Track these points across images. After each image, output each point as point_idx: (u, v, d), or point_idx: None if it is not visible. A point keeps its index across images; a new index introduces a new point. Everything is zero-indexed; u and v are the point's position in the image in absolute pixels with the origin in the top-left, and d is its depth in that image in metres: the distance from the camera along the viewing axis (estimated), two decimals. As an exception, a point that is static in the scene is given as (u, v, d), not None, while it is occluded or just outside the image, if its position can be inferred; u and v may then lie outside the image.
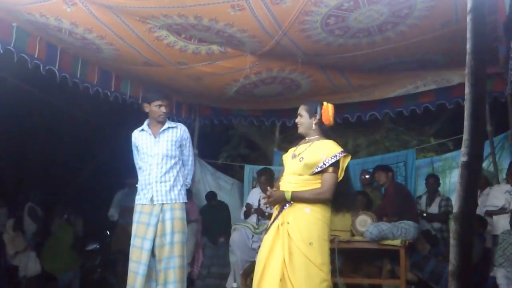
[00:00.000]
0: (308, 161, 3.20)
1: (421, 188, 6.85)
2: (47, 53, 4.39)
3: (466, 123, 2.26)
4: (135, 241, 3.84)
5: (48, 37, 4.31)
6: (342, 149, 3.21)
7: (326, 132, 3.32)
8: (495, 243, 5.33)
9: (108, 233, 7.91)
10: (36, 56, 4.24)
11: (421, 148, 7.72)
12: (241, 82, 5.24)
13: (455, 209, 2.27)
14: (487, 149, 5.92)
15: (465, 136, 2.26)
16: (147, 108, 4.01)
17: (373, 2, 3.56)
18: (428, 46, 4.37)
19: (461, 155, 2.27)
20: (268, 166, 6.59)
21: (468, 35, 2.31)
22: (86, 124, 7.67)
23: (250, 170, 7.58)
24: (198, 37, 4.28)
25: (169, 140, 3.96)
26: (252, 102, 6.16)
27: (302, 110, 3.35)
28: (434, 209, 6.16)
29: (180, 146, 4.03)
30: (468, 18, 2.33)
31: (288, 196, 3.20)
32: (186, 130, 4.13)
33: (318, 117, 3.28)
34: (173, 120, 5.61)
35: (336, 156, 3.16)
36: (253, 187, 6.91)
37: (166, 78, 5.26)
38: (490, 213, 5.58)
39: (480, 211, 5.44)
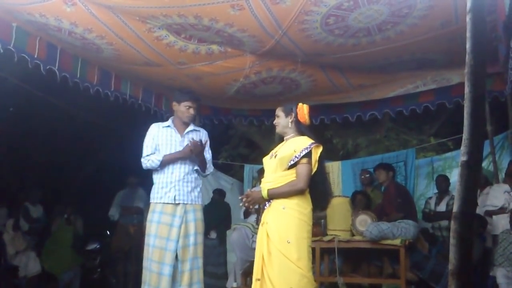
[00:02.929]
0: (281, 156, 3.27)
1: (421, 188, 6.87)
2: (47, 53, 4.38)
3: (466, 123, 2.26)
4: (156, 242, 3.83)
5: (48, 37, 4.31)
6: (313, 141, 3.27)
7: (303, 130, 3.39)
8: (495, 243, 5.34)
9: (108, 233, 7.92)
10: (36, 56, 4.23)
11: (421, 147, 7.73)
12: (241, 81, 5.24)
13: (455, 208, 2.27)
14: (487, 149, 5.92)
15: (465, 135, 2.26)
16: (175, 107, 4.04)
17: (373, 2, 3.55)
18: (428, 46, 4.37)
19: (461, 155, 2.27)
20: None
21: (468, 34, 2.32)
22: (86, 124, 7.67)
23: (250, 170, 7.60)
24: (198, 37, 4.28)
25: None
26: (252, 101, 6.16)
27: (279, 111, 3.47)
28: (442, 207, 6.17)
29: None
30: (468, 17, 2.33)
31: (265, 194, 3.24)
32: (207, 134, 4.18)
33: (294, 115, 3.39)
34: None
35: (307, 148, 3.22)
36: (253, 186, 6.93)
37: (166, 78, 5.26)
38: (490, 213, 5.59)
39: (480, 210, 5.45)
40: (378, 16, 3.75)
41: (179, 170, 3.93)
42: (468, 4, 2.33)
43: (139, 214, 7.23)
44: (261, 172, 5.95)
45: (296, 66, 4.87)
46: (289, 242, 3.10)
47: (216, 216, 6.77)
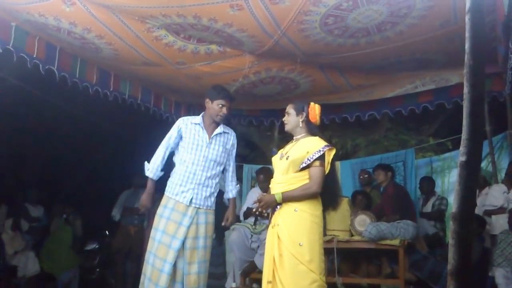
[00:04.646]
0: (293, 157, 3.23)
1: (420, 188, 6.88)
2: (46, 53, 4.38)
3: (464, 123, 2.26)
4: (163, 238, 3.77)
5: (47, 37, 4.30)
6: (326, 143, 3.24)
7: (313, 130, 3.36)
8: (493, 243, 5.35)
9: (107, 233, 7.90)
10: (35, 55, 4.22)
11: (420, 147, 7.73)
12: (240, 81, 5.24)
13: (454, 208, 2.27)
14: (486, 149, 5.93)
15: (464, 135, 2.26)
16: (207, 104, 3.92)
17: (372, 2, 3.55)
18: (427, 46, 4.37)
19: (459, 155, 2.27)
20: (267, 166, 6.59)
21: (467, 35, 2.31)
22: (85, 124, 7.65)
23: (248, 170, 7.58)
24: (197, 37, 4.28)
25: (221, 146, 3.91)
26: (251, 102, 6.16)
27: (290, 109, 3.43)
28: (428, 208, 6.23)
29: (228, 153, 4.00)
30: (467, 18, 2.33)
31: (278, 197, 3.20)
32: (235, 137, 4.09)
33: (305, 114, 3.35)
34: (172, 120, 5.62)
35: (320, 150, 3.19)
36: (252, 186, 6.92)
37: (165, 78, 5.25)
38: (489, 213, 5.60)
39: (479, 210, 5.46)
40: (377, 16, 3.75)
41: (201, 173, 3.85)
42: (467, 4, 2.33)
43: (140, 215, 7.21)
44: (259, 172, 5.94)
45: (295, 66, 4.87)
46: (301, 245, 3.08)
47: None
